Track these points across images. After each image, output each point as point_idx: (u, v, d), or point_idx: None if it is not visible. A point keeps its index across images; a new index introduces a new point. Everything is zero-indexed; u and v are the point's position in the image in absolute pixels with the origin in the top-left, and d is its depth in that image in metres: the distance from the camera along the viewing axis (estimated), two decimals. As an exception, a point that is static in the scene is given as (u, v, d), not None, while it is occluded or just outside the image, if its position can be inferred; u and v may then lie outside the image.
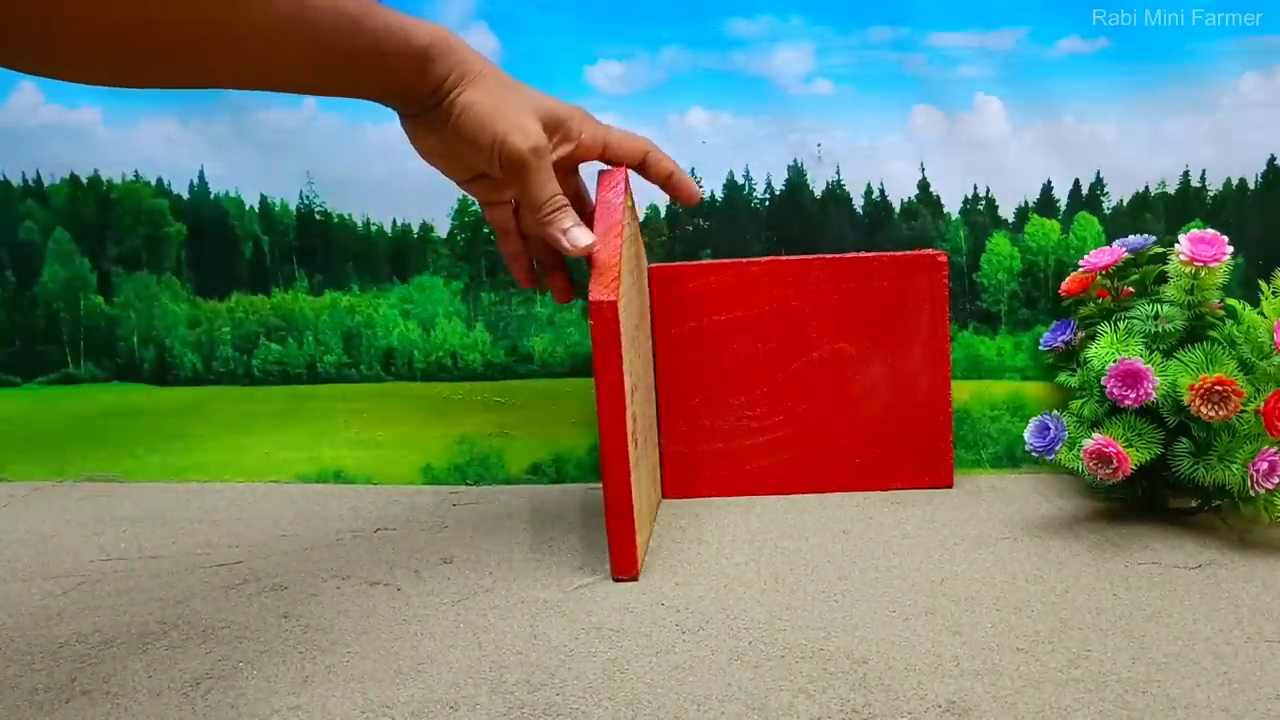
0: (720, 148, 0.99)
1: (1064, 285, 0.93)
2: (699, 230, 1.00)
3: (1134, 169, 0.98)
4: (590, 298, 0.70)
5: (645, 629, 0.67)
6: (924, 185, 0.99)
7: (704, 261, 0.95)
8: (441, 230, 1.02)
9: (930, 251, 0.92)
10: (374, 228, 1.03)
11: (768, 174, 0.99)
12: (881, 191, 1.00)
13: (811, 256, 0.91)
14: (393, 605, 0.72)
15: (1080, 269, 0.90)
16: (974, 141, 0.98)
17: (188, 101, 1.00)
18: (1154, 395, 0.78)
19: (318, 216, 1.03)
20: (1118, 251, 0.88)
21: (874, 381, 0.92)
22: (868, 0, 0.95)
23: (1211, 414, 0.76)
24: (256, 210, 1.03)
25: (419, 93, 0.65)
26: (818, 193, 0.99)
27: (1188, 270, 0.81)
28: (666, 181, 0.78)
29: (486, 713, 0.56)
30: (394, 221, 1.03)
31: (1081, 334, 0.91)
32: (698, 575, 0.75)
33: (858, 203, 1.00)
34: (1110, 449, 0.77)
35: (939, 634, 0.64)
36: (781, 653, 0.62)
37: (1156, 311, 0.84)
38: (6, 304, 1.06)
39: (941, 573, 0.74)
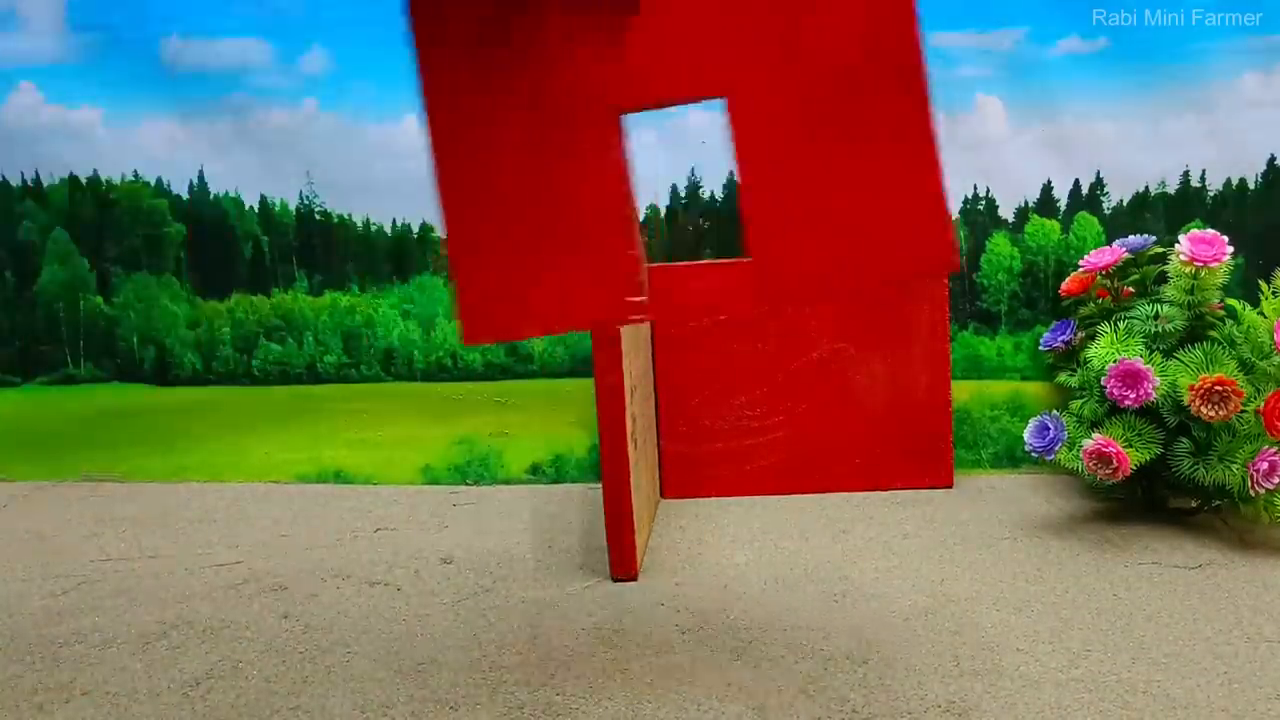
0: (720, 148, 0.98)
1: (1064, 285, 0.93)
2: (699, 230, 1.00)
3: (1134, 169, 0.98)
4: (590, 297, 0.70)
5: (645, 629, 0.66)
6: (924, 185, 0.99)
7: (704, 261, 0.95)
8: (441, 230, 1.02)
9: None
10: (374, 228, 1.03)
11: (768, 174, 0.99)
12: (881, 191, 1.00)
13: None
14: (393, 605, 0.72)
15: (1080, 269, 0.90)
16: (974, 141, 0.98)
17: (188, 101, 1.00)
18: (1154, 395, 0.78)
19: (318, 216, 1.03)
20: (1118, 251, 0.88)
21: (874, 381, 0.92)
22: (868, 0, 0.95)
23: (1211, 414, 0.76)
24: (256, 210, 1.03)
25: None
26: (818, 193, 0.99)
27: (1188, 270, 0.81)
28: None
29: (486, 713, 0.56)
30: (394, 221, 1.03)
31: (1081, 334, 0.91)
32: (698, 575, 0.75)
33: (858, 203, 1.00)
34: (1110, 449, 0.77)
35: (939, 634, 0.64)
36: (781, 653, 0.62)
37: (1156, 311, 0.84)
38: (6, 304, 1.05)
39: (941, 573, 0.74)
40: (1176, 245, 0.82)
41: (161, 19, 0.98)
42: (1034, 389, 0.99)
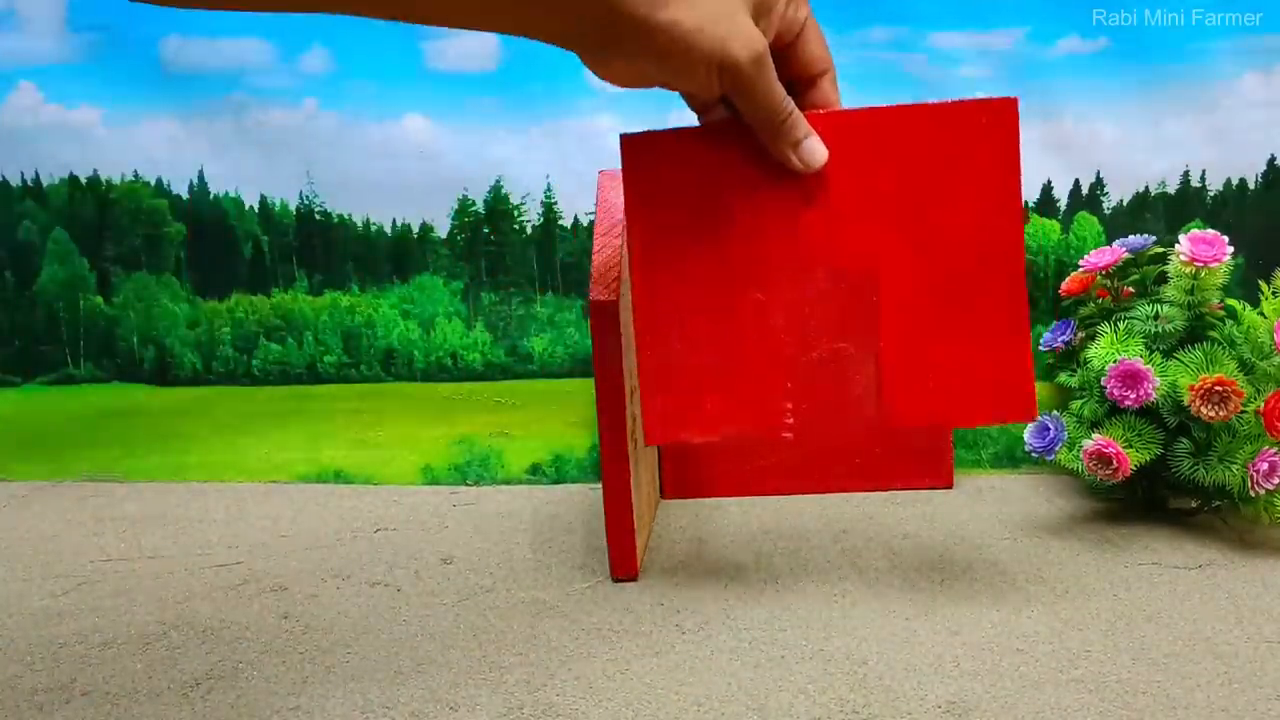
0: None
1: (1064, 285, 0.93)
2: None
3: (1134, 169, 0.98)
4: (590, 298, 0.70)
5: (645, 629, 0.67)
6: (924, 185, 0.99)
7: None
8: (441, 230, 1.02)
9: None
10: (374, 228, 1.03)
11: (768, 174, 0.99)
12: (881, 191, 1.00)
13: None
14: (393, 605, 0.72)
15: (1080, 269, 0.90)
16: (974, 141, 0.98)
17: (188, 102, 1.00)
18: (1154, 395, 0.78)
19: (318, 216, 1.03)
20: (1118, 251, 0.88)
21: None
22: (868, 0, 0.95)
23: (1211, 414, 0.76)
24: (256, 210, 1.03)
25: (583, 11, 0.53)
26: (818, 193, 0.99)
27: (1188, 270, 0.81)
28: (807, 102, 0.64)
29: (486, 713, 0.56)
30: (394, 221, 1.03)
31: (1081, 334, 0.91)
32: (698, 575, 0.75)
33: (858, 203, 1.00)
34: (1110, 449, 0.77)
35: (939, 634, 0.64)
36: (781, 653, 0.62)
37: (1156, 311, 0.84)
38: (6, 304, 1.05)
39: (941, 573, 0.74)
40: (1176, 245, 0.82)
41: (161, 19, 0.98)
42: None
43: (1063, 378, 0.91)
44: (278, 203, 1.03)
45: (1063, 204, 0.99)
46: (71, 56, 1.00)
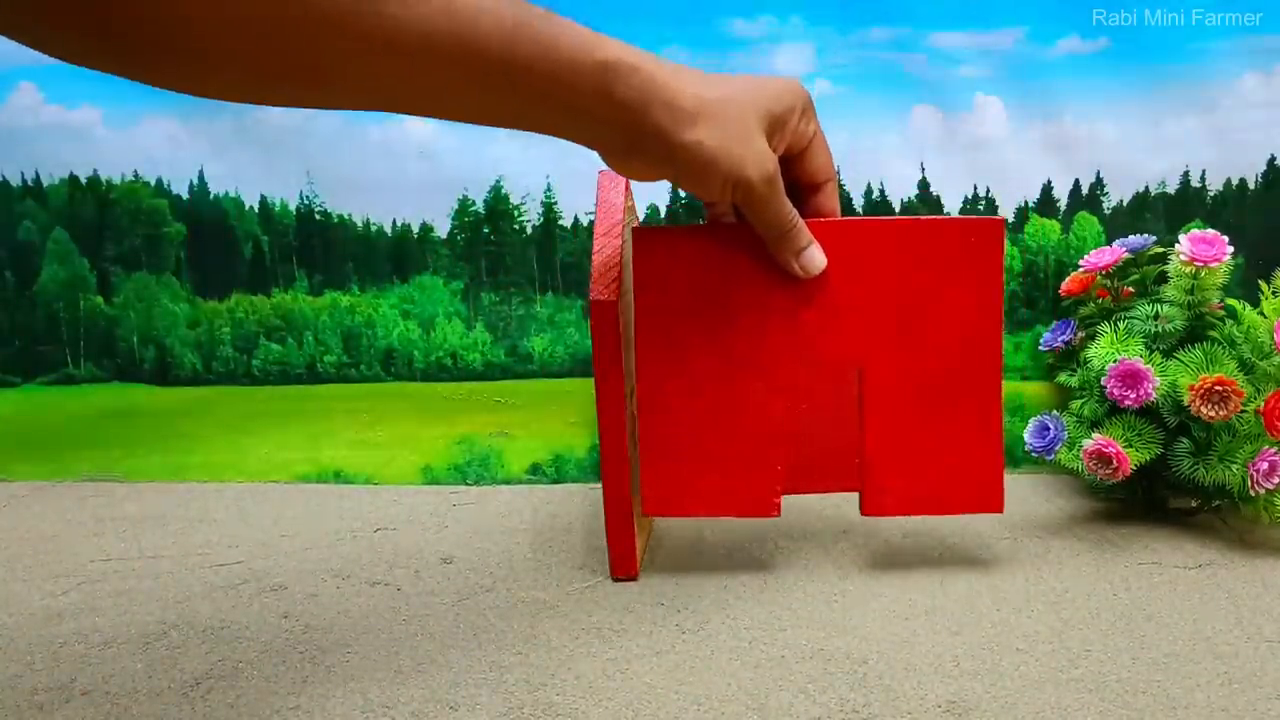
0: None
1: (1064, 285, 0.93)
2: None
3: (1134, 169, 0.98)
4: (590, 298, 0.70)
5: (645, 629, 0.67)
6: (924, 185, 0.99)
7: None
8: (441, 230, 1.02)
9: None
10: (374, 228, 1.03)
11: (768, 174, 0.99)
12: (881, 191, 1.00)
13: None
14: (393, 605, 0.72)
15: (1080, 269, 0.90)
16: (974, 141, 0.98)
17: (188, 102, 1.00)
18: (1154, 395, 0.78)
19: (318, 216, 1.03)
20: (1118, 251, 0.88)
21: None
22: (868, 0, 0.95)
23: (1211, 414, 0.76)
24: (256, 210, 1.03)
25: (606, 119, 0.56)
26: (818, 193, 0.99)
27: (1188, 270, 0.81)
28: (810, 208, 0.68)
29: (486, 713, 0.56)
30: (394, 221, 1.03)
31: (1081, 334, 0.91)
32: (698, 575, 0.75)
33: (858, 203, 1.00)
34: (1110, 449, 0.77)
35: (939, 634, 0.64)
36: (781, 653, 0.62)
37: (1156, 311, 0.84)
38: (6, 304, 1.05)
39: (941, 573, 0.74)
40: (1176, 245, 0.82)
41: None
42: (1034, 389, 0.99)
43: (1063, 378, 0.91)
44: (278, 203, 1.03)
45: (1063, 204, 0.99)
46: (71, 56, 1.00)
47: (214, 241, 1.04)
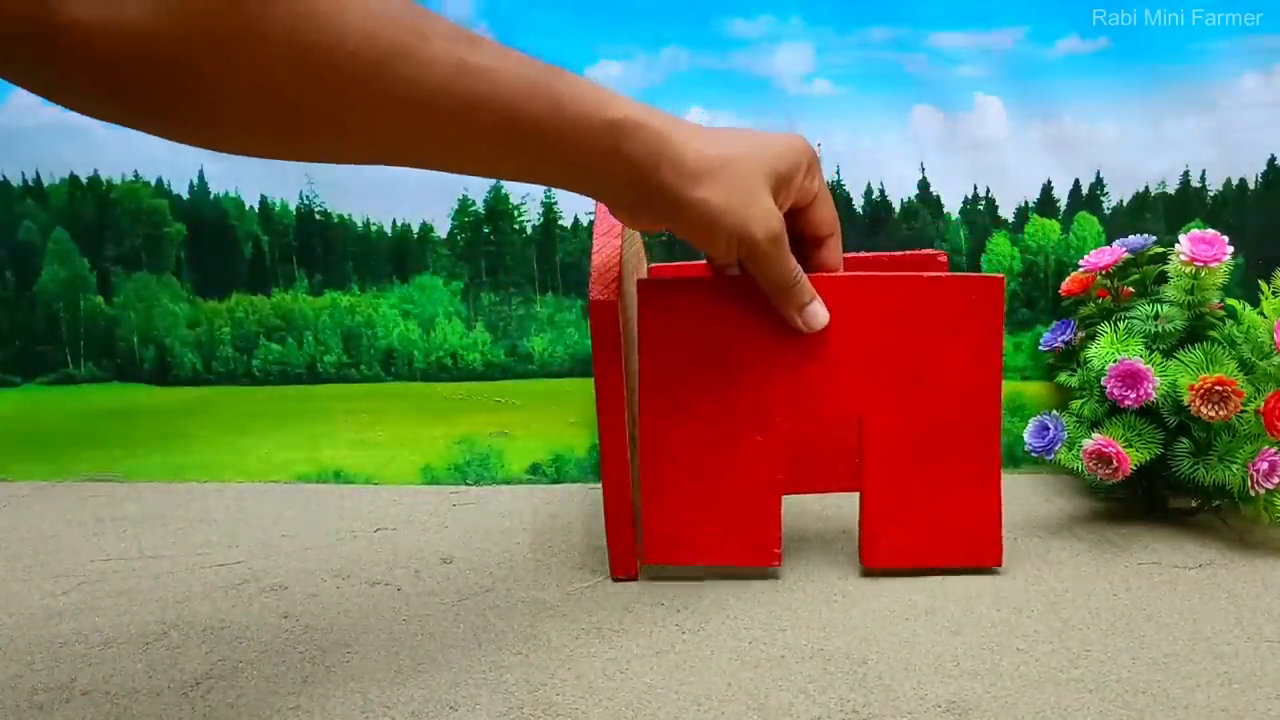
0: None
1: (1064, 285, 0.93)
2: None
3: (1134, 169, 0.98)
4: (590, 298, 0.70)
5: (645, 629, 0.67)
6: (924, 185, 0.99)
7: (701, 262, 0.95)
8: (441, 230, 1.02)
9: (930, 251, 0.92)
10: (374, 228, 1.03)
11: (768, 174, 0.99)
12: (881, 191, 1.00)
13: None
14: (393, 605, 0.72)
15: (1080, 269, 0.90)
16: (974, 141, 0.98)
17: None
18: (1154, 395, 0.78)
19: (318, 216, 1.03)
20: (1118, 251, 0.88)
21: None
22: (868, 0, 0.95)
23: (1211, 414, 0.76)
24: (256, 210, 1.03)
25: (615, 176, 0.57)
26: (818, 193, 0.99)
27: (1188, 270, 0.81)
28: (813, 262, 0.69)
29: (486, 713, 0.56)
30: (394, 221, 1.03)
31: (1081, 334, 0.91)
32: (698, 575, 0.75)
33: (857, 203, 1.00)
34: (1110, 449, 0.77)
35: (939, 634, 0.64)
36: (781, 653, 0.62)
37: (1156, 311, 0.84)
38: (6, 304, 1.06)
39: (942, 573, 0.74)
40: (1176, 245, 0.82)
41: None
42: (1034, 389, 0.99)
43: (1063, 378, 0.91)
44: (278, 203, 1.03)
45: (1063, 204, 0.99)
46: (71, 56, 1.00)
47: (214, 241, 1.04)
